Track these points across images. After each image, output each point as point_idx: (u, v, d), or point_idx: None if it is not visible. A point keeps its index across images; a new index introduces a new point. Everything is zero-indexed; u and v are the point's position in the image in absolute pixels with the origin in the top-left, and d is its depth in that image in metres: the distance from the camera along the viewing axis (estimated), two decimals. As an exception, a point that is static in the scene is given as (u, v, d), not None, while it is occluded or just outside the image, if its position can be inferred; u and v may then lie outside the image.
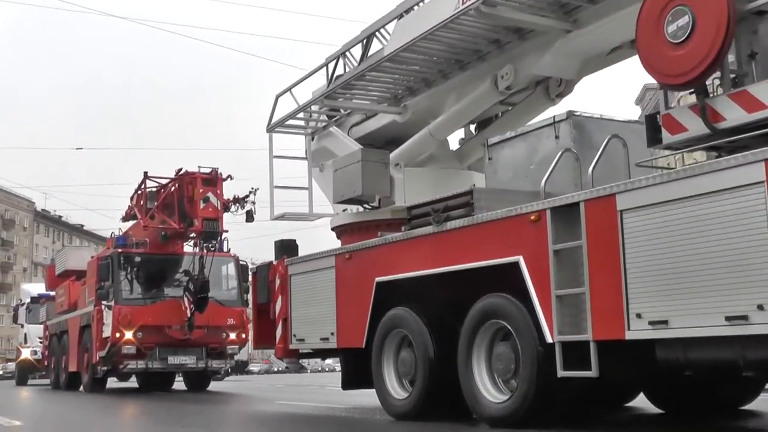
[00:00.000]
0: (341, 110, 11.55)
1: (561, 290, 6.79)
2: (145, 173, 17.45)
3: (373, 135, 11.38)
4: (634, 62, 7.54)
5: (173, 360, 17.76)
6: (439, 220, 8.18)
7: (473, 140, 10.84)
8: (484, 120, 10.99)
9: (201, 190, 16.62)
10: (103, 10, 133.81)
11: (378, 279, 9.08)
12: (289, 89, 11.33)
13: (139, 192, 17.93)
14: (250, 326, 18.77)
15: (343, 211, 11.28)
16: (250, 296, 12.87)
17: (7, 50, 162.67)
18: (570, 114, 8.14)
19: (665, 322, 5.93)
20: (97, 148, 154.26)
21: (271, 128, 11.67)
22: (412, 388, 8.69)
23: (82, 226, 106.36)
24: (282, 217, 11.65)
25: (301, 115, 11.91)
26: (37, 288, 31.92)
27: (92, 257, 20.89)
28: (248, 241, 39.76)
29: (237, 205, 17.00)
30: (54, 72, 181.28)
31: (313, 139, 12.00)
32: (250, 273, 11.82)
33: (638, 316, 6.12)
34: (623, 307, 6.23)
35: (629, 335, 6.21)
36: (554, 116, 8.33)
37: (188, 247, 19.13)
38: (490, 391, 7.64)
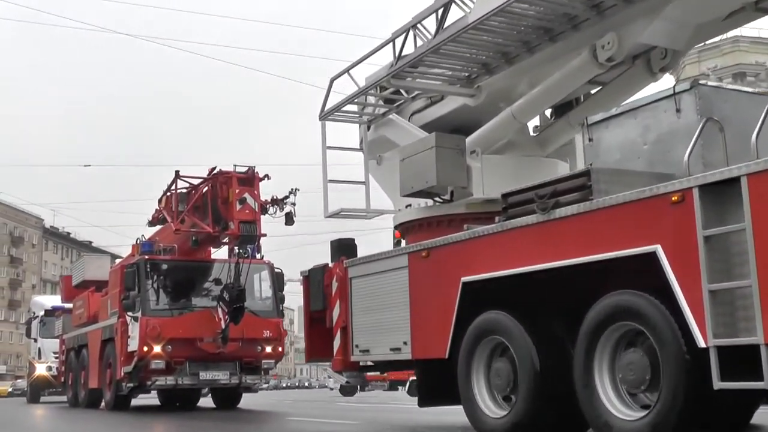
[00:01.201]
0: (405, 93, 10.46)
1: (716, 284, 5.67)
2: (177, 172, 16.37)
3: (438, 123, 10.28)
4: None
5: (205, 375, 16.65)
6: (545, 207, 7.07)
7: (556, 124, 9.75)
8: (562, 105, 9.91)
9: (237, 191, 15.57)
10: (112, 27, 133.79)
11: (464, 279, 7.97)
12: (345, 71, 10.26)
13: (168, 194, 16.87)
14: (287, 339, 17.75)
15: (407, 207, 10.21)
16: (295, 304, 11.71)
17: (17, 68, 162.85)
18: (695, 84, 7.05)
19: None
20: (105, 165, 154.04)
21: (324, 116, 10.59)
22: (510, 404, 7.58)
23: (91, 242, 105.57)
24: (337, 214, 10.57)
25: (355, 103, 10.84)
26: (51, 300, 30.86)
27: (113, 266, 19.87)
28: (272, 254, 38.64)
29: (275, 206, 15.94)
30: (63, 89, 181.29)
31: (368, 128, 10.93)
32: (301, 277, 10.73)
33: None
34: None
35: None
36: (674, 87, 7.24)
37: (217, 254, 18.13)
38: (616, 407, 6.51)
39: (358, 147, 11.05)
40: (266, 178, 15.99)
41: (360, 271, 9.59)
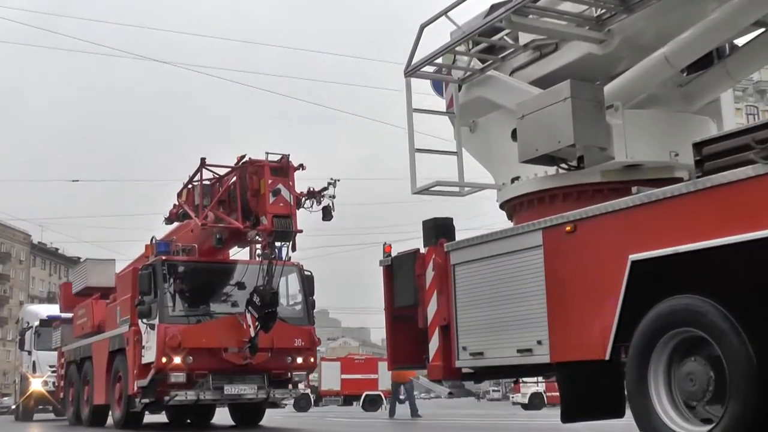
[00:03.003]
0: (507, 41, 8.34)
1: None
2: (203, 160, 14.06)
3: (549, 80, 8.15)
4: None
5: (230, 390, 14.33)
6: (771, 154, 5.00)
7: (709, 74, 7.67)
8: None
9: (270, 181, 13.35)
10: (100, 43, 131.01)
11: (634, 257, 5.86)
12: (440, 15, 8.12)
13: (190, 187, 14.59)
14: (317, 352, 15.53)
15: (515, 180, 8.09)
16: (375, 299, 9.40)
17: (4, 83, 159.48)
18: None
19: None
20: (93, 180, 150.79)
21: (410, 71, 8.42)
22: (707, 416, 5.47)
23: (79, 258, 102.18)
24: (428, 189, 8.38)
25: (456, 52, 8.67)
26: (47, 309, 28.26)
27: (123, 270, 17.53)
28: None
29: (312, 199, 13.75)
30: (49, 105, 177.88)
31: (459, 89, 8.80)
32: (380, 267, 8.55)
33: None
34: None
35: None
36: None
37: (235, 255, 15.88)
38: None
39: (446, 111, 8.91)
40: (301, 168, 13.80)
41: (467, 255, 7.46)
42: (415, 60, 8.42)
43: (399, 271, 8.22)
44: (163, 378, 14.08)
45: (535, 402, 44.68)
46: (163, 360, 13.87)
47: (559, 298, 6.52)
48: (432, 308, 7.71)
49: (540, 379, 46.40)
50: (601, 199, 6.88)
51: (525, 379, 47.12)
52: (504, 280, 7.04)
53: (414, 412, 21.75)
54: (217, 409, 18.39)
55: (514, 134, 7.92)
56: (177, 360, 13.90)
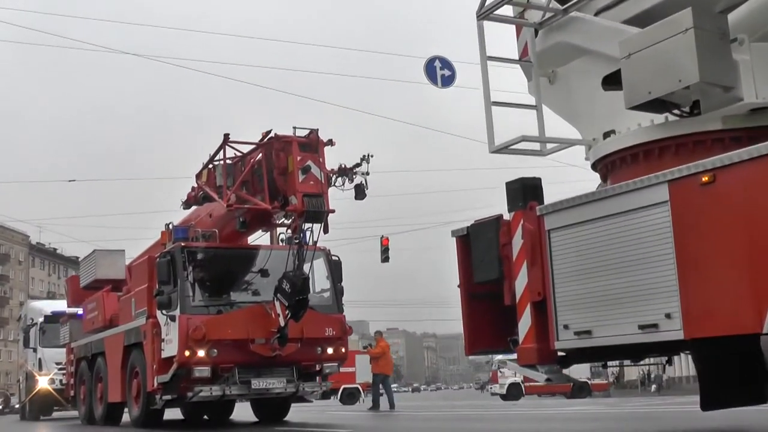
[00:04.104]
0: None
1: None
2: (226, 136, 12.71)
3: (644, 18, 6.96)
4: None
5: (257, 384, 13.06)
6: None
7: None
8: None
9: (299, 158, 12.11)
10: (98, 43, 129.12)
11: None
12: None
13: (211, 167, 13.31)
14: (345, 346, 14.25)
15: (608, 135, 6.92)
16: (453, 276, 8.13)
17: (1, 85, 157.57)
18: None
19: None
20: (90, 179, 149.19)
21: (483, 13, 7.22)
22: None
23: (77, 257, 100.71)
24: (508, 147, 7.18)
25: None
26: (51, 305, 26.87)
27: (136, 259, 16.28)
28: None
29: (344, 177, 12.53)
30: (47, 106, 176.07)
31: (536, 34, 7.60)
32: (453, 239, 7.35)
33: None
34: None
35: None
36: None
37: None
38: None
39: (521, 59, 7.71)
40: (330, 144, 12.57)
41: (566, 218, 6.29)
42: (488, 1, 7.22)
43: (478, 241, 7.03)
44: (185, 373, 12.85)
45: (513, 392, 44.06)
46: (186, 353, 12.61)
47: (694, 262, 5.35)
48: (521, 282, 6.54)
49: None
50: (720, 151, 5.73)
51: (502, 370, 46.59)
52: (617, 244, 5.88)
53: (391, 405, 21.05)
54: (236, 403, 17.14)
55: (607, 81, 6.78)
56: (201, 353, 12.64)
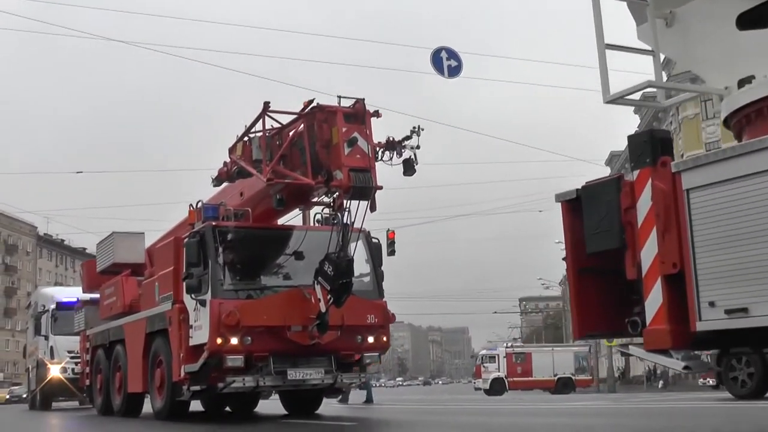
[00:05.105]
0: None
1: None
2: (266, 104, 11.42)
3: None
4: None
5: (293, 374, 11.87)
6: None
7: None
8: None
9: (344, 129, 10.92)
10: (105, 35, 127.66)
11: None
12: None
13: (246, 140, 12.07)
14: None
15: (743, 83, 5.73)
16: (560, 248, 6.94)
17: (8, 76, 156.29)
18: None
19: None
20: (97, 171, 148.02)
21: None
22: None
23: (85, 249, 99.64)
24: (624, 97, 6.01)
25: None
26: (64, 292, 25.66)
27: (159, 241, 15.10)
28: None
29: (392, 151, 11.34)
30: (54, 97, 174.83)
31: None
32: (559, 204, 6.17)
33: None
34: None
35: None
36: None
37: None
38: None
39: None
40: (377, 115, 11.38)
41: (710, 175, 5.17)
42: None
43: (592, 205, 5.88)
44: (216, 362, 11.67)
45: (496, 387, 43.14)
46: (218, 341, 11.44)
47: None
48: (649, 252, 5.44)
49: (503, 364, 45.05)
50: None
51: (486, 365, 45.78)
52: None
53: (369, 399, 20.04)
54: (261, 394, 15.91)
55: (744, 21, 5.59)
56: (234, 341, 11.47)
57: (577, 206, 6.05)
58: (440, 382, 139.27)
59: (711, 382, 36.09)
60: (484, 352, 51.75)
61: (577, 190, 6.16)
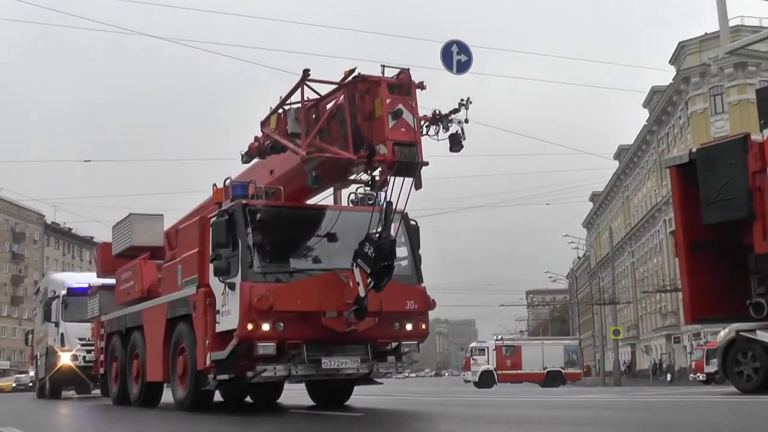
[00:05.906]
0: None
1: None
2: (306, 72, 10.30)
3: None
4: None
5: (328, 363, 10.96)
6: None
7: None
8: None
9: (388, 101, 9.98)
10: (114, 24, 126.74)
11: None
12: None
13: (281, 112, 11.09)
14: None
15: None
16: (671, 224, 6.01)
17: (17, 66, 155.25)
18: None
19: None
20: (105, 160, 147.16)
21: None
22: None
23: (92, 238, 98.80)
24: (747, 46, 5.09)
25: None
26: (75, 277, 24.72)
27: (183, 221, 14.21)
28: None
29: (438, 125, 10.42)
30: (63, 86, 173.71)
31: None
32: (666, 168, 5.26)
33: None
34: None
35: None
36: None
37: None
38: None
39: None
40: (422, 88, 10.45)
41: None
42: None
43: (711, 169, 5.01)
44: (246, 349, 10.78)
45: (486, 380, 42.50)
46: (249, 327, 10.53)
47: None
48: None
49: (492, 356, 44.47)
50: None
51: (475, 357, 45.25)
52: None
53: None
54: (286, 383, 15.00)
55: None
56: (266, 327, 10.56)
57: (691, 171, 5.12)
58: (447, 374, 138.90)
59: (701, 377, 35.09)
60: (473, 344, 51.23)
61: (691, 152, 5.23)
